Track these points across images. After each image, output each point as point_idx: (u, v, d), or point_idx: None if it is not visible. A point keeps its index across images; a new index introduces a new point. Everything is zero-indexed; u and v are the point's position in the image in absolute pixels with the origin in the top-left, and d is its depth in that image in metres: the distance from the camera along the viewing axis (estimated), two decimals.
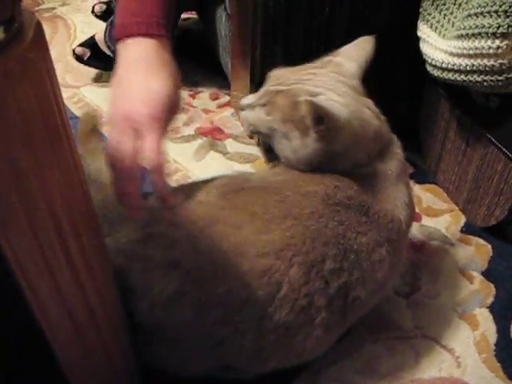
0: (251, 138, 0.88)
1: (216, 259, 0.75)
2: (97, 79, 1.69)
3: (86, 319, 0.64)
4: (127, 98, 0.76)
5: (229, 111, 1.54)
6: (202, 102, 1.58)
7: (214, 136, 1.45)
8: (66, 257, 0.57)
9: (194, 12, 1.74)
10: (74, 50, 1.66)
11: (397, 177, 0.87)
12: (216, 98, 1.60)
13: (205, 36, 1.60)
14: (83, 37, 1.76)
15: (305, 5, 1.10)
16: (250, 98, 0.89)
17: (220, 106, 1.57)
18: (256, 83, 1.21)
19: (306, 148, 0.82)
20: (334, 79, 0.87)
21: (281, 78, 0.88)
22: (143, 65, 0.78)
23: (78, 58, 1.66)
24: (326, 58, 0.92)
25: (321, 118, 0.77)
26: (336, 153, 0.82)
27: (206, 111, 1.55)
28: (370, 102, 0.89)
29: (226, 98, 1.58)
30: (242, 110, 0.90)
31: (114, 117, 0.76)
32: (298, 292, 0.75)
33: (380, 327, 0.99)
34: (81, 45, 1.67)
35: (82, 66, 1.69)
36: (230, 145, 1.42)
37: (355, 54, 0.92)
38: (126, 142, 0.73)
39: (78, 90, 1.65)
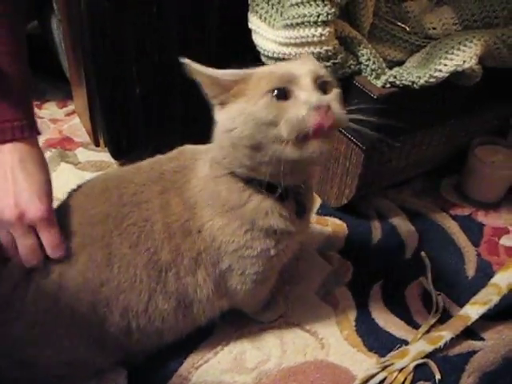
0: None
1: None
2: None
3: None
4: (17, 200, 0.77)
5: (77, 119, 1.47)
6: (50, 112, 1.51)
7: (63, 146, 1.38)
8: None
9: None
10: None
11: None
12: (64, 106, 1.54)
13: (45, 42, 1.52)
14: None
15: (131, 6, 1.07)
16: None
17: (68, 114, 1.50)
18: (92, 88, 1.17)
19: None
20: None
21: None
22: (24, 166, 0.79)
23: None
24: None
25: None
26: None
27: (54, 121, 1.48)
28: None
29: (74, 106, 1.51)
30: None
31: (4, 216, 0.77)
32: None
33: (243, 321, 0.99)
34: None
35: None
36: (81, 154, 1.36)
37: None
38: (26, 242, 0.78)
39: None
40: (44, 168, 0.81)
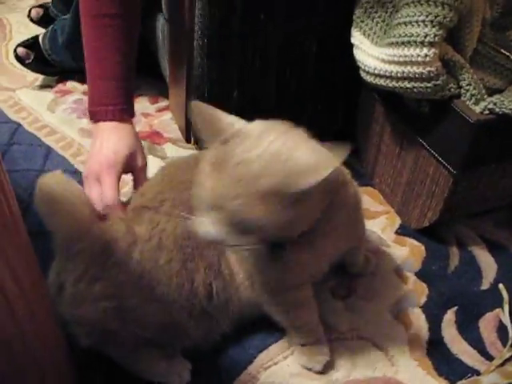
0: None
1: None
2: (33, 82, 1.65)
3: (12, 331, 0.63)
4: (96, 158, 1.00)
5: (168, 115, 1.53)
6: (142, 106, 1.57)
7: (152, 140, 1.44)
8: None
9: None
10: (15, 50, 1.61)
11: None
12: (155, 102, 1.59)
13: (145, 40, 1.59)
14: (19, 37, 1.72)
15: (240, 12, 1.11)
16: None
17: (159, 110, 1.56)
18: (193, 87, 1.21)
19: None
20: None
21: None
22: (109, 136, 1.02)
23: (19, 59, 1.62)
24: None
25: None
26: None
27: (146, 115, 1.53)
28: None
29: (166, 102, 1.57)
30: None
31: (86, 173, 1.00)
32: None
33: None
34: (25, 46, 1.62)
35: (17, 67, 1.65)
36: (169, 149, 1.41)
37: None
38: (93, 192, 0.97)
39: (14, 92, 1.61)
40: (125, 139, 1.02)
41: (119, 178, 0.99)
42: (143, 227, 0.85)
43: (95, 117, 1.05)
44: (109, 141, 1.01)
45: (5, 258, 0.57)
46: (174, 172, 0.94)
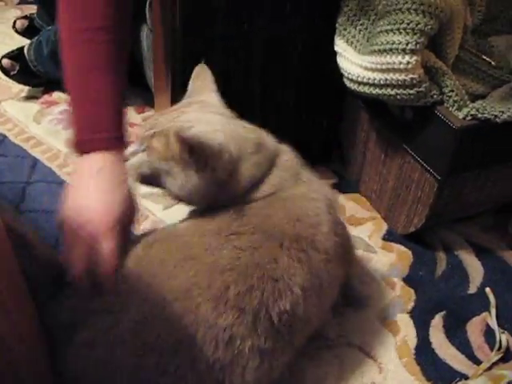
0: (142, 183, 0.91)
1: (144, 307, 0.76)
2: (19, 93, 1.65)
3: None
4: (84, 209, 0.81)
5: None
6: (128, 116, 1.56)
7: None
8: None
9: None
10: (0, 61, 1.61)
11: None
12: (141, 112, 1.60)
13: (131, 50, 1.59)
14: (4, 48, 1.71)
15: (222, 21, 1.11)
16: (131, 147, 0.90)
17: (145, 119, 1.56)
18: (177, 95, 1.21)
19: (191, 181, 0.83)
20: (202, 112, 0.89)
21: (153, 122, 0.90)
22: (101, 179, 0.83)
23: (4, 71, 1.61)
24: (185, 101, 0.95)
25: (192, 147, 0.79)
26: (224, 180, 0.83)
27: (132, 125, 1.53)
28: (243, 123, 0.91)
29: (152, 112, 1.57)
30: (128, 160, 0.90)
31: (69, 222, 0.81)
32: (215, 328, 0.75)
33: None
34: (10, 57, 1.62)
35: (3, 79, 1.65)
36: None
37: (205, 85, 0.96)
38: (76, 252, 0.80)
39: None
40: (119, 186, 0.83)
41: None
42: None
43: (84, 147, 0.85)
44: (104, 184, 0.82)
45: None
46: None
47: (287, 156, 0.91)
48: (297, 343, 0.85)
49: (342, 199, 1.34)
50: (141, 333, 0.74)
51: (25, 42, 1.67)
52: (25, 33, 1.81)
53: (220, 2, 1.10)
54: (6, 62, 1.61)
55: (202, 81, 0.96)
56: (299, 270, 0.81)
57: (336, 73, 1.17)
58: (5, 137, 1.47)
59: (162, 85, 1.28)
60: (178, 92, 1.19)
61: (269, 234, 0.82)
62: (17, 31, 1.82)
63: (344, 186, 1.39)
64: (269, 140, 0.91)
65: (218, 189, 0.84)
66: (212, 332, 0.74)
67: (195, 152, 0.79)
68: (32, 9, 1.86)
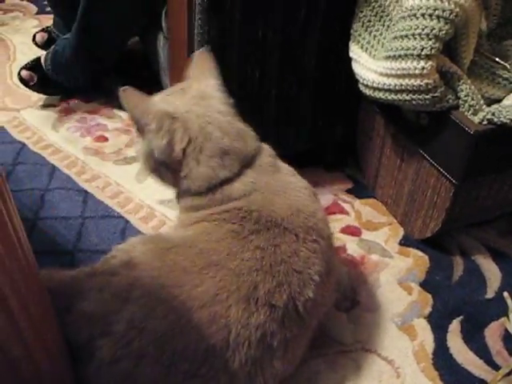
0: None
1: (169, 318, 0.77)
2: (37, 102, 1.67)
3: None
4: None
5: None
6: None
7: None
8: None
9: None
10: (19, 73, 1.64)
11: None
12: None
13: (146, 57, 1.61)
14: (23, 58, 1.74)
15: (238, 30, 1.12)
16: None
17: None
18: None
19: (143, 145, 0.93)
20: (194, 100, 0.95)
21: None
22: None
23: (24, 82, 1.64)
24: (178, 88, 1.00)
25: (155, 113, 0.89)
26: (170, 159, 0.90)
27: None
28: (231, 120, 0.94)
29: None
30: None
31: None
32: (247, 328, 0.77)
33: (321, 343, 1.00)
34: (28, 68, 1.65)
35: (21, 88, 1.67)
36: None
37: (204, 70, 1.00)
38: None
39: (18, 112, 1.63)
40: None
41: None
42: None
43: None
44: None
45: (10, 279, 0.57)
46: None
47: (265, 154, 0.95)
48: (313, 326, 0.89)
49: (358, 204, 1.35)
50: (167, 343, 0.75)
51: (42, 52, 1.70)
52: (45, 46, 1.83)
53: (235, 8, 1.11)
54: (25, 73, 1.63)
55: (202, 64, 1.01)
56: (316, 259, 0.85)
57: (351, 77, 1.18)
58: (24, 145, 1.49)
59: None
60: None
61: (282, 227, 0.85)
62: (37, 44, 1.85)
63: (359, 190, 1.39)
64: (248, 142, 0.94)
65: (172, 173, 0.93)
66: (244, 332, 0.77)
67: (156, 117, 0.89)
68: (50, 19, 1.88)
